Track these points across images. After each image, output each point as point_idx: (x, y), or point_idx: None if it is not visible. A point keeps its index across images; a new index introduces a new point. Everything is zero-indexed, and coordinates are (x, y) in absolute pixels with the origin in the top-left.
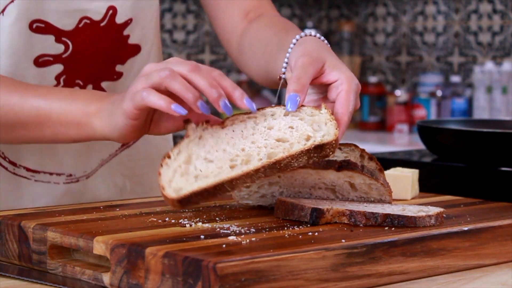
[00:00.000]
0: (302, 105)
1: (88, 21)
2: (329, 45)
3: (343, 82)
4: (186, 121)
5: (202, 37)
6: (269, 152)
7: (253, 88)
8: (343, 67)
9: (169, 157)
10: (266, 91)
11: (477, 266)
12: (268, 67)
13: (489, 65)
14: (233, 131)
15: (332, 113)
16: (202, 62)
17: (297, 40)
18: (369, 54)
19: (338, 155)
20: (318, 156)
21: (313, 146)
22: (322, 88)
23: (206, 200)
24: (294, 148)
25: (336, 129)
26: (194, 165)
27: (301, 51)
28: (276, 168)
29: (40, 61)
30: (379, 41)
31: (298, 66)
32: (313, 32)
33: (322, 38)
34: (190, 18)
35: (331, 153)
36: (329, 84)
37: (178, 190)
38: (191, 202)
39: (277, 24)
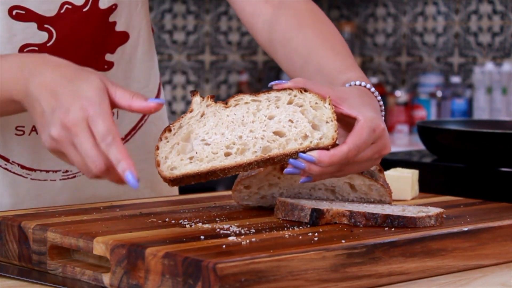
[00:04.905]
0: (306, 91)
1: (69, 7)
2: (377, 97)
3: (360, 119)
4: (193, 92)
5: (202, 37)
6: (264, 146)
7: (253, 89)
8: (368, 113)
9: (169, 130)
10: None
11: (477, 267)
12: None
13: (489, 66)
14: (235, 114)
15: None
16: (202, 62)
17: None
18: (369, 55)
19: None
20: None
21: (308, 148)
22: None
23: (198, 181)
24: (289, 146)
25: (335, 131)
26: (191, 145)
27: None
28: (269, 162)
29: (25, 52)
30: (379, 42)
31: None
32: (363, 81)
33: (371, 87)
34: (190, 18)
35: None
36: (347, 117)
37: (172, 169)
38: (183, 182)
39: (312, 29)
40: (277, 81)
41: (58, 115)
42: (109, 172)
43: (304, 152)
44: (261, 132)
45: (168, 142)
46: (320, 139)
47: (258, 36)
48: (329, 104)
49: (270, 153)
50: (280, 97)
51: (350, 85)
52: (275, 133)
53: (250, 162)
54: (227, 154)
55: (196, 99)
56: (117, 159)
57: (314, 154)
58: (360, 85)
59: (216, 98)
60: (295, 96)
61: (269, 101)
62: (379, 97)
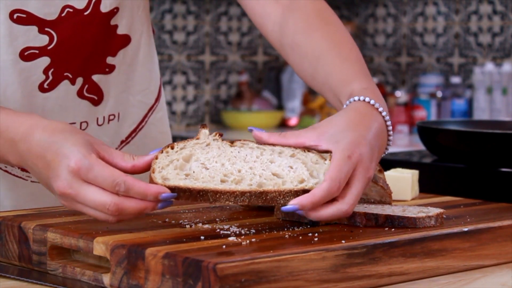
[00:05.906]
0: (309, 150)
1: (71, 10)
2: (378, 108)
3: (335, 152)
4: (203, 125)
5: (202, 38)
6: (260, 182)
7: (253, 89)
8: (344, 139)
9: (172, 148)
10: (266, 92)
11: (477, 267)
12: (320, 92)
13: (489, 66)
14: (239, 152)
15: None
16: (202, 63)
17: (346, 105)
18: (369, 55)
19: None
20: None
21: (302, 189)
22: None
23: (187, 199)
24: (285, 186)
25: None
26: (190, 165)
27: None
28: (261, 198)
29: (26, 55)
30: (379, 42)
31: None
32: (364, 96)
33: (370, 100)
34: (190, 19)
35: None
36: (324, 152)
37: (165, 179)
38: None
39: (320, 32)
40: (255, 129)
41: (52, 184)
42: (124, 209)
43: (298, 192)
44: (261, 170)
45: (168, 156)
46: (315, 184)
47: (270, 38)
48: (329, 160)
49: (265, 188)
50: (284, 151)
51: (350, 102)
52: (274, 174)
53: (243, 192)
54: (223, 181)
55: (205, 131)
56: (143, 195)
57: (293, 202)
58: (359, 100)
59: (216, 98)
60: (298, 152)
61: (273, 151)
62: (381, 109)
